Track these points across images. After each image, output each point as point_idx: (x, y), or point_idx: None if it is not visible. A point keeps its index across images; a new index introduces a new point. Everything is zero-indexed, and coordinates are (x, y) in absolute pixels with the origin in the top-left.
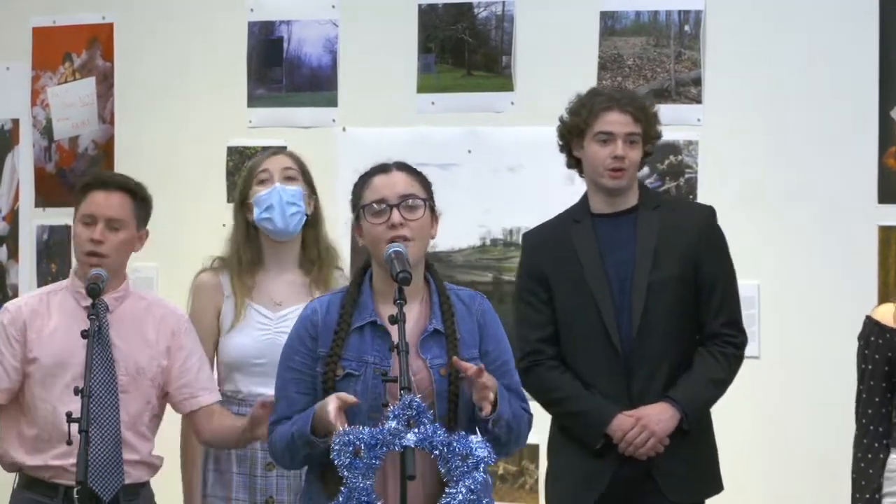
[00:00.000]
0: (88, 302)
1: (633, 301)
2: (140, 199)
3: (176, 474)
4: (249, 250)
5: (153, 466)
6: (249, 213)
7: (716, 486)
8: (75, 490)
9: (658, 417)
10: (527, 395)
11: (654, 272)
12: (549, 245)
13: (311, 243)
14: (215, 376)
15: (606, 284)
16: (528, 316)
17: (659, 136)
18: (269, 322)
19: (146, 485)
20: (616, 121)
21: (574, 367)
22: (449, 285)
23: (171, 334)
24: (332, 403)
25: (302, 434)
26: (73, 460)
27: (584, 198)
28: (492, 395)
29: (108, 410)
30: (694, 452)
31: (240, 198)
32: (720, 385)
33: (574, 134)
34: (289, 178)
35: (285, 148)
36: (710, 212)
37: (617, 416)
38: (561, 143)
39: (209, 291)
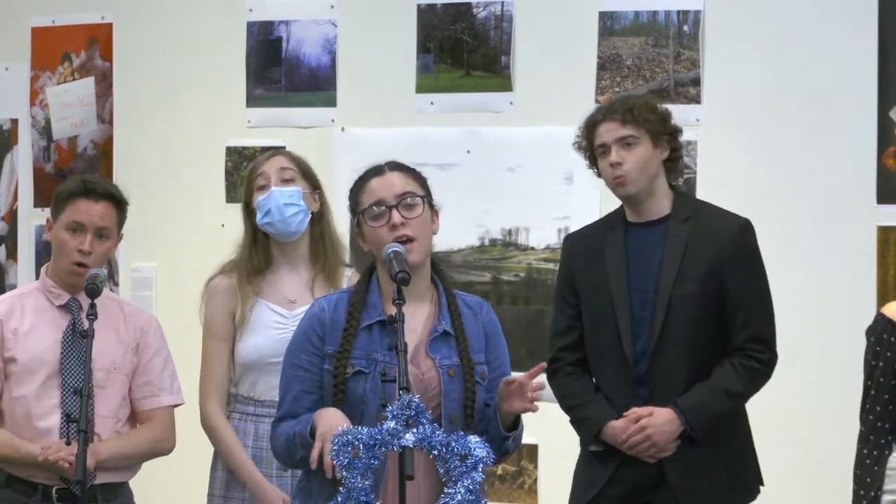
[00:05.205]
0: (62, 300)
1: (654, 316)
2: (122, 206)
3: (176, 475)
4: (258, 253)
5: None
6: (254, 218)
7: (745, 495)
8: (54, 489)
9: (661, 428)
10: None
11: (677, 287)
12: (582, 251)
13: (317, 239)
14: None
15: (627, 295)
16: (556, 321)
17: (671, 132)
18: (286, 321)
19: (125, 485)
20: (605, 131)
21: (594, 374)
22: (454, 291)
23: (141, 331)
24: (318, 442)
25: (301, 436)
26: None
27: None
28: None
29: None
30: (710, 461)
31: (245, 202)
32: (734, 397)
33: (590, 158)
34: (285, 180)
35: (284, 148)
36: (740, 224)
37: (620, 421)
38: (592, 169)
39: (223, 294)
